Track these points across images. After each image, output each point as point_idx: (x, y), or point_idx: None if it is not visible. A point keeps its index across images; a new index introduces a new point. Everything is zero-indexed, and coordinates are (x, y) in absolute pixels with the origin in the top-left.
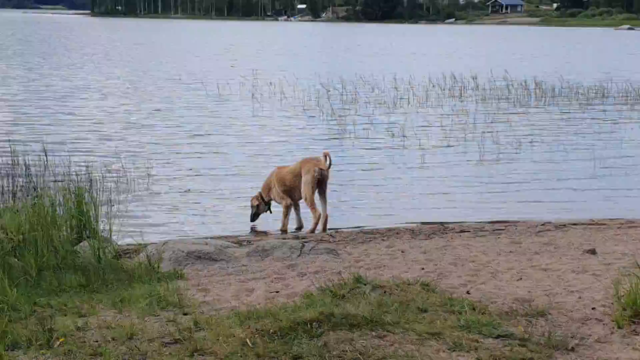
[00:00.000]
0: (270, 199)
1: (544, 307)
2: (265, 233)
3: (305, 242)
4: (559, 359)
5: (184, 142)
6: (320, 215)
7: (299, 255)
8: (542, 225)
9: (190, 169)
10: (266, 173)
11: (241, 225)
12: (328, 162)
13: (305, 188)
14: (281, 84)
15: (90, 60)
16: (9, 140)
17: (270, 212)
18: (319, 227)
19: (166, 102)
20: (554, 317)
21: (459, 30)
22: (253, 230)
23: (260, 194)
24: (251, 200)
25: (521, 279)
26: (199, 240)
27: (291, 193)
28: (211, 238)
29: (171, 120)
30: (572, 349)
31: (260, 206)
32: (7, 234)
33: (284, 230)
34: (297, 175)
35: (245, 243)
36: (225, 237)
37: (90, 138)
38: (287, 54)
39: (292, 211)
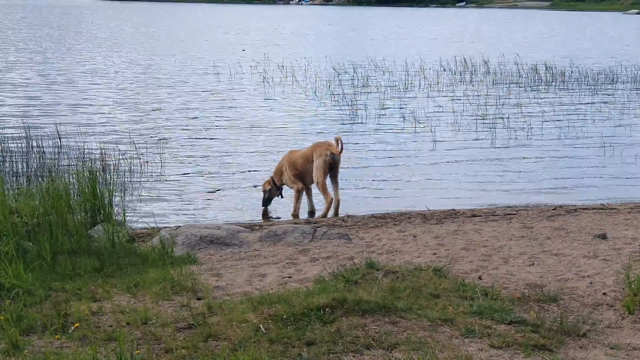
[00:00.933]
0: (283, 184)
1: (555, 293)
2: (277, 218)
3: (317, 227)
4: (571, 345)
5: (197, 127)
6: (332, 199)
7: (311, 240)
8: (553, 209)
9: (203, 154)
10: (277, 157)
11: (253, 210)
12: (340, 147)
13: (317, 172)
14: (292, 68)
15: (101, 44)
16: (24, 125)
17: (282, 197)
18: (331, 211)
19: (178, 86)
20: (566, 302)
21: (469, 14)
22: (265, 215)
23: (272, 178)
24: (263, 185)
25: (533, 264)
26: (212, 224)
27: (303, 177)
28: (224, 222)
29: (183, 105)
30: (584, 335)
31: (273, 190)
32: (21, 218)
33: (295, 215)
34: (309, 160)
35: (257, 228)
36: (237, 222)
37: (103, 122)
38: (298, 37)
39: (304, 196)
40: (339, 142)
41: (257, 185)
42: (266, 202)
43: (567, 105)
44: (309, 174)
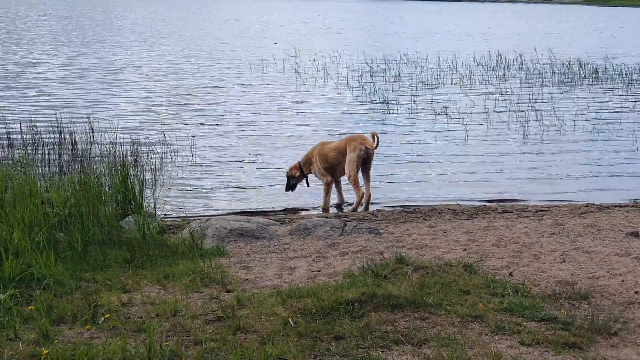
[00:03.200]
0: (310, 172)
1: (586, 291)
2: (307, 210)
3: (347, 221)
4: (602, 343)
5: (227, 119)
6: (363, 194)
7: (340, 234)
8: (585, 206)
9: (233, 146)
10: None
11: (283, 203)
12: (376, 142)
13: (350, 166)
14: (324, 61)
15: (132, 36)
16: (56, 116)
17: (308, 185)
18: (361, 206)
19: (210, 79)
20: (597, 300)
21: (503, 9)
22: (294, 208)
23: (299, 164)
24: (290, 170)
25: (564, 261)
26: (241, 217)
27: (334, 170)
28: (252, 214)
29: (215, 97)
30: (615, 333)
31: (299, 177)
32: (53, 209)
33: (325, 209)
34: (342, 152)
35: (287, 221)
36: (267, 213)
37: (135, 114)
38: (329, 31)
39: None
40: (375, 137)
41: (280, 168)
42: (291, 187)
43: (600, 101)
44: (340, 166)
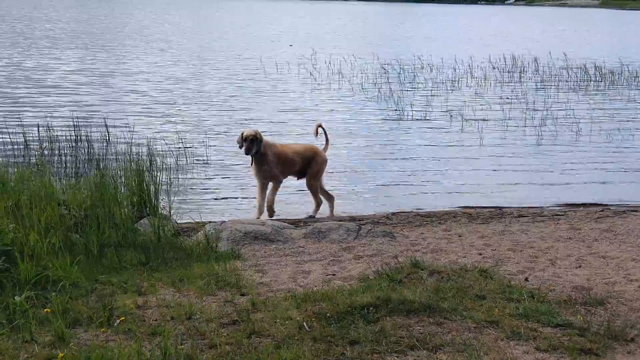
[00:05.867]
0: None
1: (602, 296)
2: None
3: (362, 224)
4: (618, 350)
5: (243, 121)
6: (321, 202)
7: (355, 238)
8: (601, 211)
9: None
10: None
11: (297, 206)
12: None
13: (318, 178)
14: (339, 63)
15: (147, 39)
16: (72, 118)
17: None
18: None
19: (224, 81)
20: (613, 306)
21: (518, 12)
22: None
23: (257, 133)
24: (250, 134)
25: (580, 266)
26: (256, 220)
27: (287, 174)
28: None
29: (229, 100)
30: (632, 340)
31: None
32: (69, 211)
33: (270, 207)
34: (306, 160)
35: (301, 224)
36: (282, 218)
37: (150, 116)
38: (344, 35)
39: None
40: (323, 129)
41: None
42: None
43: (616, 105)
44: (293, 172)
